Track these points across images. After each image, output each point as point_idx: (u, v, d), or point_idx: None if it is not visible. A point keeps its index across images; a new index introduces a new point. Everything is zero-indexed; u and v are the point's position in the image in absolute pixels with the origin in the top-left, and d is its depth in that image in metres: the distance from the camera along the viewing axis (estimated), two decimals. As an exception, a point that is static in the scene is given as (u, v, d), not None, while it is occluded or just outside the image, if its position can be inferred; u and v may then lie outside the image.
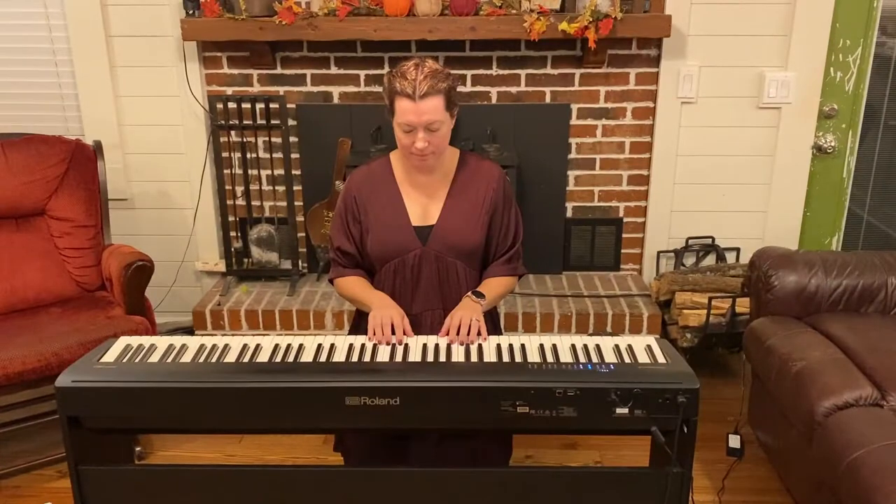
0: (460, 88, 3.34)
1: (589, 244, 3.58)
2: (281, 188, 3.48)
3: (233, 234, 3.51)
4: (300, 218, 3.51)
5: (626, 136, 3.42)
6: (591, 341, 1.90)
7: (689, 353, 3.23)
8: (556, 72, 3.34)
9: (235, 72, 3.39)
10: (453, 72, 3.28)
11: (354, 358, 1.82)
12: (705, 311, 3.04)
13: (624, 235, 3.56)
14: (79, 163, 3.05)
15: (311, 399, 1.70)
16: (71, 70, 3.40)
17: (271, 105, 3.29)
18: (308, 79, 3.38)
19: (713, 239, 3.48)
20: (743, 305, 3.00)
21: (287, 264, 3.49)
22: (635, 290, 3.42)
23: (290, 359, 1.81)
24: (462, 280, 2.14)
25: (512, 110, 3.37)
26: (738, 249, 3.47)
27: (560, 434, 1.93)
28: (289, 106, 3.38)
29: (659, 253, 3.51)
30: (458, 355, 1.83)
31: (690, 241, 3.49)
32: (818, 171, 3.41)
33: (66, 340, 2.58)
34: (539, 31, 3.02)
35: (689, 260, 3.52)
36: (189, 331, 3.42)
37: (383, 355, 1.83)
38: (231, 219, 3.48)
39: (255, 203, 3.49)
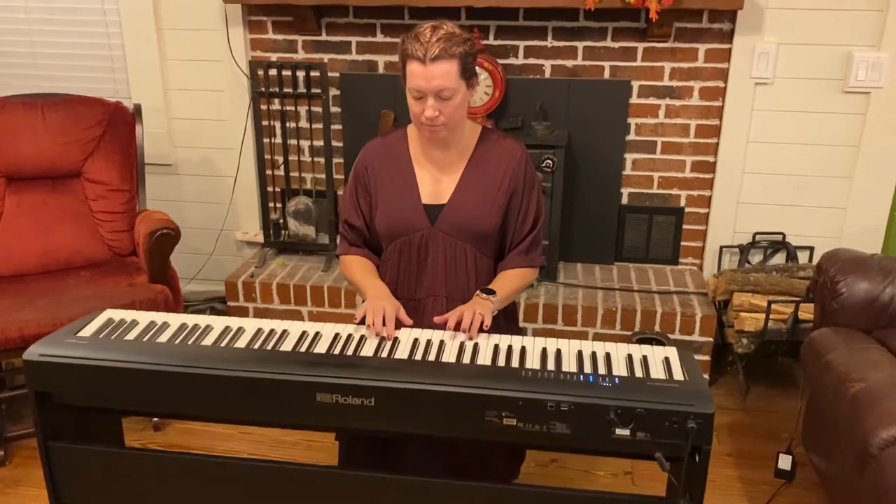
0: (511, 60, 3.14)
1: (645, 234, 3.32)
2: (321, 160, 3.36)
3: (272, 204, 3.42)
4: (341, 191, 3.39)
5: (691, 117, 3.12)
6: (603, 349, 1.69)
7: (746, 361, 2.95)
8: (616, 45, 3.07)
9: (280, 37, 3.27)
10: (508, 43, 3.11)
11: (337, 350, 1.67)
12: (764, 316, 2.75)
13: (684, 226, 3.28)
14: (116, 126, 3.01)
15: (279, 393, 1.56)
16: (120, 31, 3.37)
17: (312, 73, 3.17)
18: (353, 46, 3.23)
19: (784, 235, 3.16)
20: (808, 311, 2.69)
21: (324, 238, 3.38)
22: (692, 288, 3.14)
23: (269, 346, 1.68)
24: (471, 266, 1.96)
25: (566, 85, 3.13)
26: (811, 249, 3.14)
27: (553, 451, 1.72)
28: (332, 75, 3.25)
29: (722, 248, 3.21)
30: (449, 355, 1.66)
31: (758, 237, 3.18)
32: (911, 165, 3.03)
33: (84, 306, 2.54)
34: (595, -1, 2.77)
35: (756, 257, 3.21)
36: (224, 301, 3.37)
37: (368, 349, 1.68)
38: (272, 189, 3.40)
39: (295, 174, 3.39)
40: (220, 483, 1.70)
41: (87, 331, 1.74)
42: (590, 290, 3.12)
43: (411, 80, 1.82)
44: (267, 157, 3.33)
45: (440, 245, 1.95)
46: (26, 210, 2.92)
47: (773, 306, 2.75)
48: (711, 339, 2.96)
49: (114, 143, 3.01)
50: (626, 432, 1.48)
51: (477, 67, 2.97)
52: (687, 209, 3.25)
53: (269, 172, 3.35)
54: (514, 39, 3.12)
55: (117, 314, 1.84)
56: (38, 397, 1.66)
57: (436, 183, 1.97)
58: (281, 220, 3.38)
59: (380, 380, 1.54)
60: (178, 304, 2.86)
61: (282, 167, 3.35)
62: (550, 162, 2.99)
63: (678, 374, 1.58)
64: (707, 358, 2.99)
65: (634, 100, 3.13)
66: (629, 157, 3.21)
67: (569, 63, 3.12)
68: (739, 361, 2.96)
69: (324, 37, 3.23)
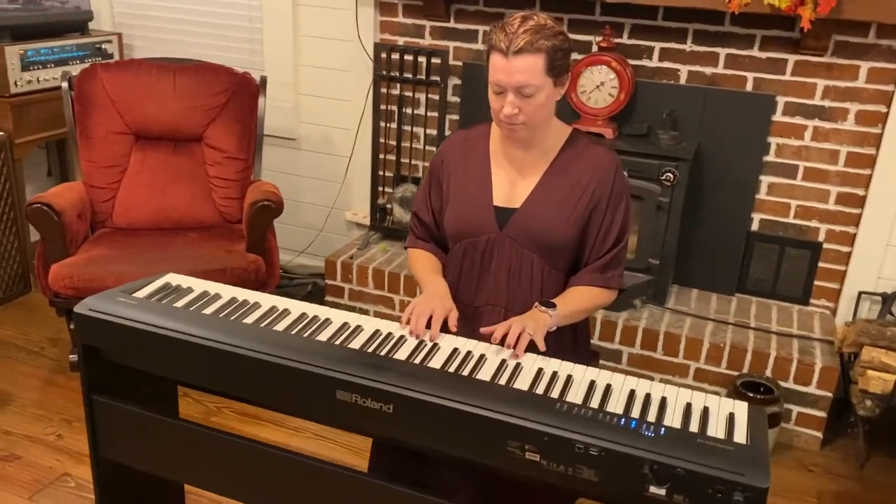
0: (644, 62, 2.92)
1: (774, 267, 2.99)
2: (434, 149, 3.29)
3: (381, 189, 3.39)
4: (452, 183, 3.30)
5: (843, 143, 2.77)
6: (661, 391, 1.49)
7: (869, 424, 2.59)
8: (763, 55, 2.77)
9: (409, 21, 3.22)
10: (643, 43, 2.89)
11: (371, 348, 1.58)
12: (895, 378, 2.39)
13: (820, 264, 2.92)
14: (240, 95, 3.09)
15: (300, 383, 1.49)
16: (261, 4, 3.45)
17: (434, 60, 3.09)
18: (479, 36, 3.12)
19: (939, 289, 2.74)
20: (950, 382, 2.31)
21: (428, 229, 3.31)
22: (818, 334, 2.79)
23: (307, 333, 1.62)
24: (536, 279, 1.80)
25: (702, 94, 2.87)
26: (971, 308, 2.70)
27: (579, 496, 1.53)
28: (455, 63, 3.16)
29: (861, 293, 2.83)
30: (485, 372, 1.52)
31: (906, 287, 2.78)
32: None
33: (181, 265, 2.61)
34: (740, 2, 2.50)
35: (902, 309, 2.80)
36: (323, 278, 3.38)
37: (403, 352, 1.57)
38: (382, 173, 3.37)
39: (406, 161, 3.33)
40: (244, 464, 1.66)
41: (142, 292, 1.76)
42: (699, 321, 2.85)
43: (492, 72, 1.69)
44: (382, 141, 3.30)
45: (506, 252, 1.81)
46: (148, 167, 3.05)
47: (908, 369, 2.38)
48: (830, 395, 2.62)
49: (235, 112, 3.08)
50: (661, 492, 1.28)
51: (605, 67, 2.81)
52: (826, 245, 2.89)
53: (381, 156, 3.32)
54: (650, 40, 2.89)
55: (176, 279, 1.85)
56: (86, 350, 1.69)
57: (512, 185, 1.83)
58: (388, 206, 3.34)
59: (401, 387, 1.43)
60: (271, 277, 2.88)
61: (394, 152, 3.31)
62: (671, 175, 2.75)
63: (739, 436, 1.36)
64: (823, 414, 2.65)
65: (778, 117, 2.82)
66: (765, 180, 2.90)
67: (708, 70, 2.86)
68: (861, 424, 2.60)
69: (451, 24, 3.15)
